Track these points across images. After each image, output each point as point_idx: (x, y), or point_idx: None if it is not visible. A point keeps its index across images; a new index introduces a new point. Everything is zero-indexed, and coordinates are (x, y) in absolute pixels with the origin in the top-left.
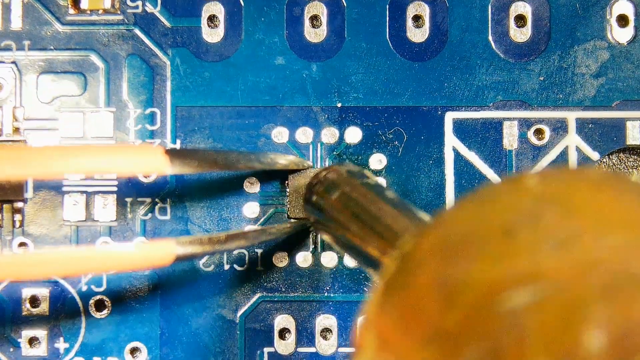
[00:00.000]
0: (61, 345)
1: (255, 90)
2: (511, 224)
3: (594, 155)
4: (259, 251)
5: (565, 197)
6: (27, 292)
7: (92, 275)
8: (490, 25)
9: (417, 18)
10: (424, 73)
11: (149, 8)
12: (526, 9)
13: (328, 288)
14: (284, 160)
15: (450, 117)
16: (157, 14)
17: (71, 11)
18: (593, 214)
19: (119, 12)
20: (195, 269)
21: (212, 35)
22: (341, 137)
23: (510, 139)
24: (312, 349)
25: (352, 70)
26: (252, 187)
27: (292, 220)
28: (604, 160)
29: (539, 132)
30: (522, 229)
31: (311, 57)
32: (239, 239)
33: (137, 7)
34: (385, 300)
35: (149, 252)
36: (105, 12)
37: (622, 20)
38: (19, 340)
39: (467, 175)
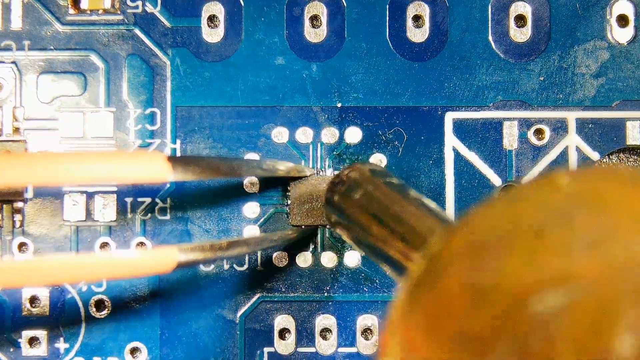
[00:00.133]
0: (61, 345)
1: (255, 90)
2: (542, 224)
3: (594, 155)
4: (259, 251)
5: (597, 197)
6: (27, 292)
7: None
8: (490, 25)
9: (417, 18)
10: (424, 73)
11: (149, 8)
12: (526, 9)
13: (328, 288)
14: (285, 167)
15: (450, 117)
16: (157, 14)
17: (71, 11)
18: (625, 213)
19: (119, 12)
20: (195, 269)
21: (212, 35)
22: (341, 137)
23: (510, 139)
24: (312, 349)
25: (352, 70)
26: (252, 187)
27: (294, 227)
28: (604, 160)
29: (539, 132)
30: (553, 230)
31: (311, 57)
32: (240, 245)
33: (137, 7)
34: (412, 302)
35: (151, 259)
36: (105, 12)
37: (622, 20)
38: (19, 340)
39: (467, 176)
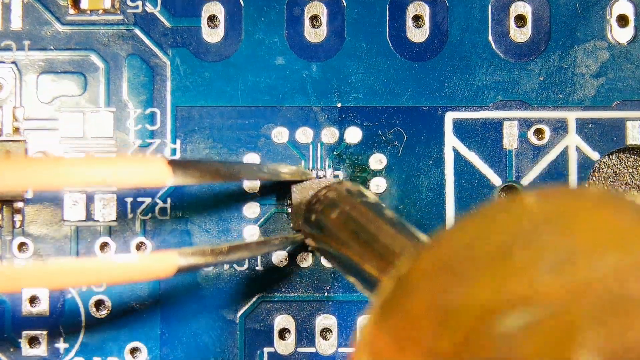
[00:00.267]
0: (61, 345)
1: (255, 90)
2: (508, 245)
3: (594, 155)
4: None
5: (563, 217)
6: (27, 292)
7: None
8: (490, 25)
9: (417, 18)
10: (424, 73)
11: (149, 8)
12: (526, 9)
13: (328, 288)
14: (286, 170)
15: (450, 117)
16: (157, 14)
17: (71, 11)
18: (590, 233)
19: (119, 12)
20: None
21: (212, 35)
22: (341, 137)
23: (510, 139)
24: (312, 349)
25: (352, 70)
26: (252, 187)
27: (296, 232)
28: (604, 160)
29: (539, 132)
30: (518, 251)
31: (311, 57)
32: (241, 250)
33: (137, 7)
34: (381, 321)
35: (151, 264)
36: (105, 12)
37: (622, 20)
38: (19, 340)
39: (467, 175)
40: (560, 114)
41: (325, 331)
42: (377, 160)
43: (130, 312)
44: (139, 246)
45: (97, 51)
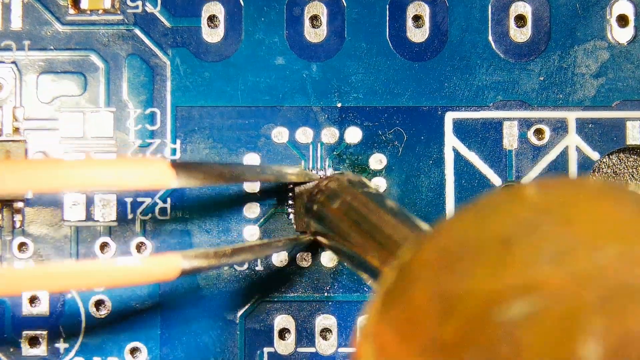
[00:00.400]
0: (61, 345)
1: (255, 90)
2: (508, 235)
3: (594, 155)
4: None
5: (563, 208)
6: (27, 293)
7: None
8: (490, 25)
9: (417, 18)
10: (424, 73)
11: (149, 8)
12: (526, 9)
13: (328, 288)
14: (290, 171)
15: (450, 117)
16: (157, 14)
17: (71, 11)
18: (590, 224)
19: (119, 12)
20: None
21: (212, 35)
22: (341, 137)
23: (510, 139)
24: (312, 349)
25: (352, 70)
26: (252, 187)
27: (299, 233)
28: (604, 160)
29: (539, 132)
30: (520, 240)
31: (311, 57)
32: (245, 252)
33: (137, 7)
34: (384, 311)
35: (155, 267)
36: (105, 12)
37: (622, 20)
38: (19, 340)
39: (467, 175)
40: (560, 114)
41: (325, 331)
42: (377, 160)
43: (130, 312)
44: (139, 246)
45: (97, 51)
